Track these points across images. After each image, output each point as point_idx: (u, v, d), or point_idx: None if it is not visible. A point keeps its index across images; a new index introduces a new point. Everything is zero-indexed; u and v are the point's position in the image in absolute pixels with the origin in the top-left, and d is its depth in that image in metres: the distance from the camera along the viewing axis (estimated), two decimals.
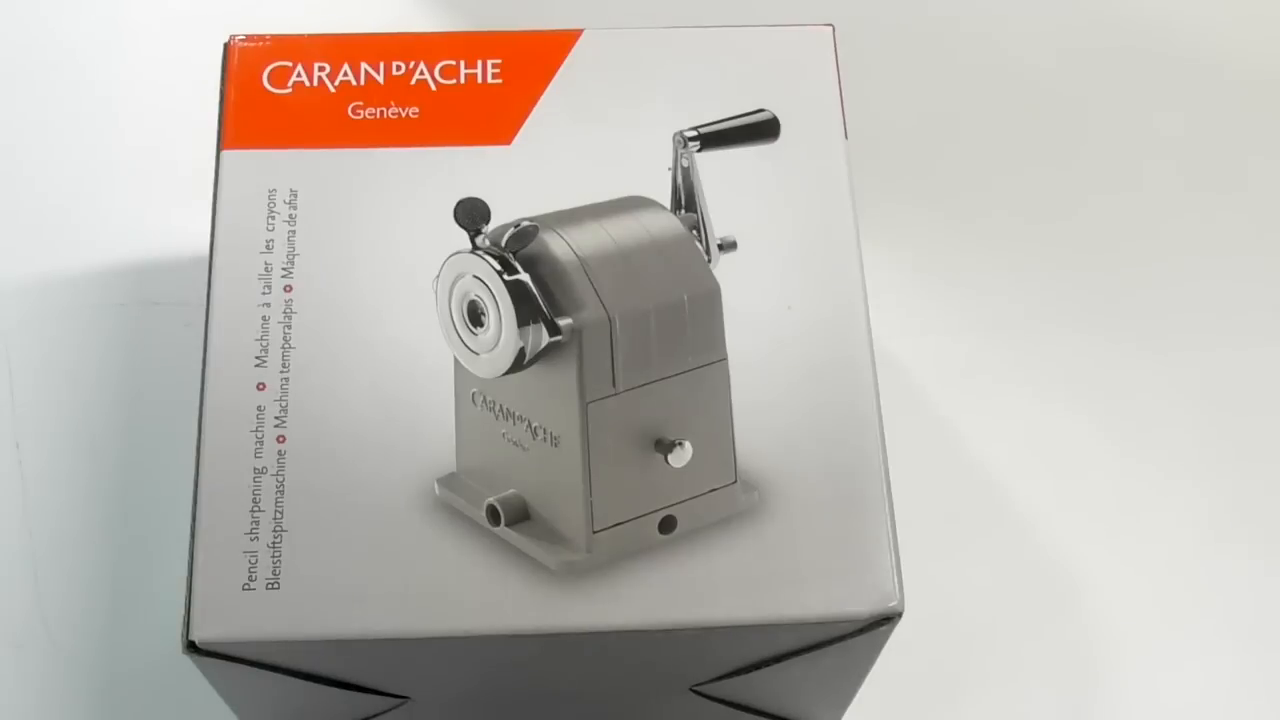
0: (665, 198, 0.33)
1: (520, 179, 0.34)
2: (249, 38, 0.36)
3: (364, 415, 0.31)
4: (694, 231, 0.33)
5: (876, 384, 0.32)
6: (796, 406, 0.32)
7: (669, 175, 0.33)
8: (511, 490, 0.32)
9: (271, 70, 0.35)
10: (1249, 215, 0.48)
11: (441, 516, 0.31)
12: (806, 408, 0.32)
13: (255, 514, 0.30)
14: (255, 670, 0.30)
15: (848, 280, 0.33)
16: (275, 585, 0.30)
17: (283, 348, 0.32)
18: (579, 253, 0.31)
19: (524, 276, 0.31)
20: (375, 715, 0.34)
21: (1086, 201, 0.48)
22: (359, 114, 0.35)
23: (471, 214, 0.32)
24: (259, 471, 0.31)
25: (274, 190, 0.34)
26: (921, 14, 0.51)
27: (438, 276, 0.32)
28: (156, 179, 0.47)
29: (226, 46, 0.35)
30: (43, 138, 0.48)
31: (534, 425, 0.32)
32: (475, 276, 0.31)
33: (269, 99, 0.35)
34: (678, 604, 0.30)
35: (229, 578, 0.30)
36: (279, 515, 0.30)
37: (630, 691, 0.34)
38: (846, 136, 0.35)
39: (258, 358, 0.32)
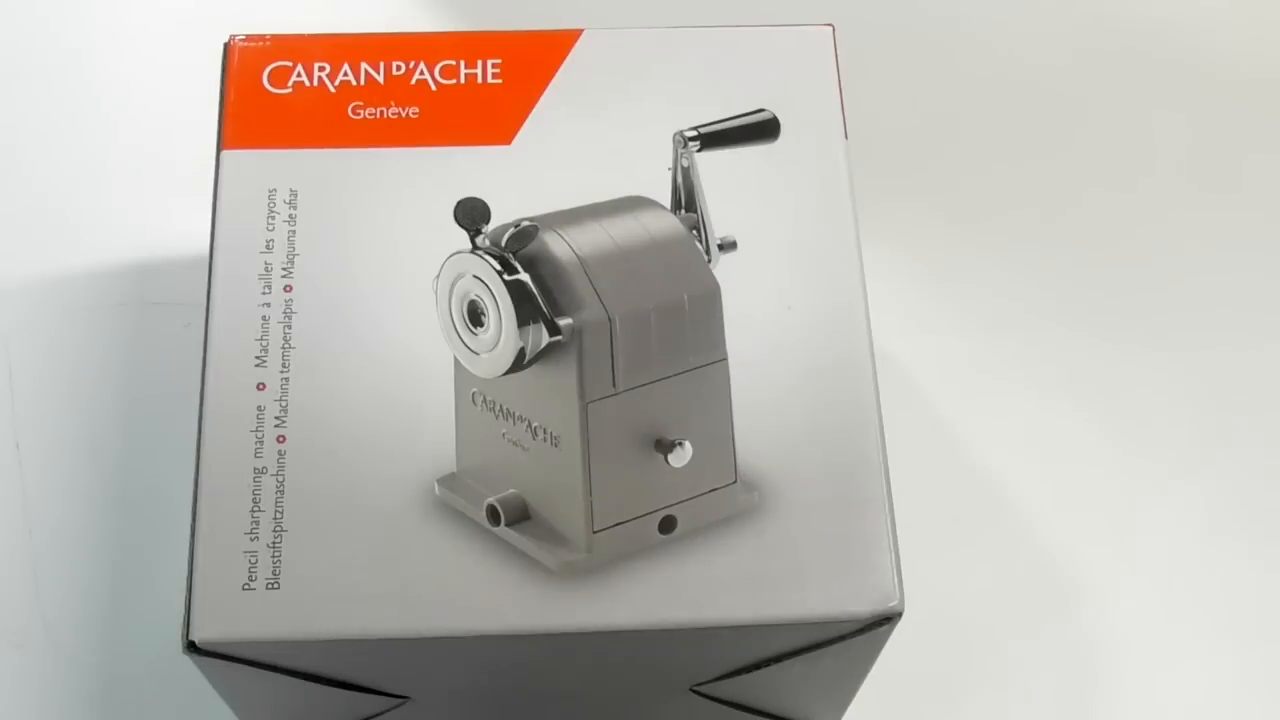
0: (665, 198, 0.33)
1: (520, 179, 0.34)
2: (249, 38, 0.36)
3: (364, 415, 0.31)
4: (694, 231, 0.33)
5: (876, 384, 0.32)
6: (796, 407, 0.32)
7: (669, 175, 0.33)
8: (511, 490, 0.32)
9: (271, 70, 0.35)
10: (1249, 214, 0.48)
11: (441, 516, 0.31)
12: (806, 408, 0.32)
13: (255, 514, 0.30)
14: (255, 670, 0.30)
15: (848, 280, 0.33)
16: (275, 585, 0.30)
17: (283, 348, 0.32)
18: (579, 253, 0.31)
19: (524, 276, 0.31)
20: (375, 715, 0.34)
21: (1086, 200, 0.48)
22: (359, 114, 0.35)
23: (471, 214, 0.32)
24: (259, 471, 0.31)
25: (274, 190, 0.34)
26: (921, 14, 0.51)
27: (437, 276, 0.32)
28: (156, 179, 0.47)
29: (226, 46, 0.35)
30: (43, 138, 0.48)
31: (534, 425, 0.32)
32: (475, 276, 0.31)
33: (269, 99, 0.35)
34: (678, 604, 0.30)
35: (229, 578, 0.30)
36: (279, 515, 0.30)
37: (630, 691, 0.34)
38: (846, 136, 0.35)
39: (258, 358, 0.32)
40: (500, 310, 0.31)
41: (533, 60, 0.35)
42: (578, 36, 0.36)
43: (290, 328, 0.32)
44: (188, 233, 0.41)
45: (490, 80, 0.35)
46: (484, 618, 0.30)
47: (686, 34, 0.36)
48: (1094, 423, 0.45)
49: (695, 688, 0.33)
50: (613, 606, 0.30)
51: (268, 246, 0.33)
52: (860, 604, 0.30)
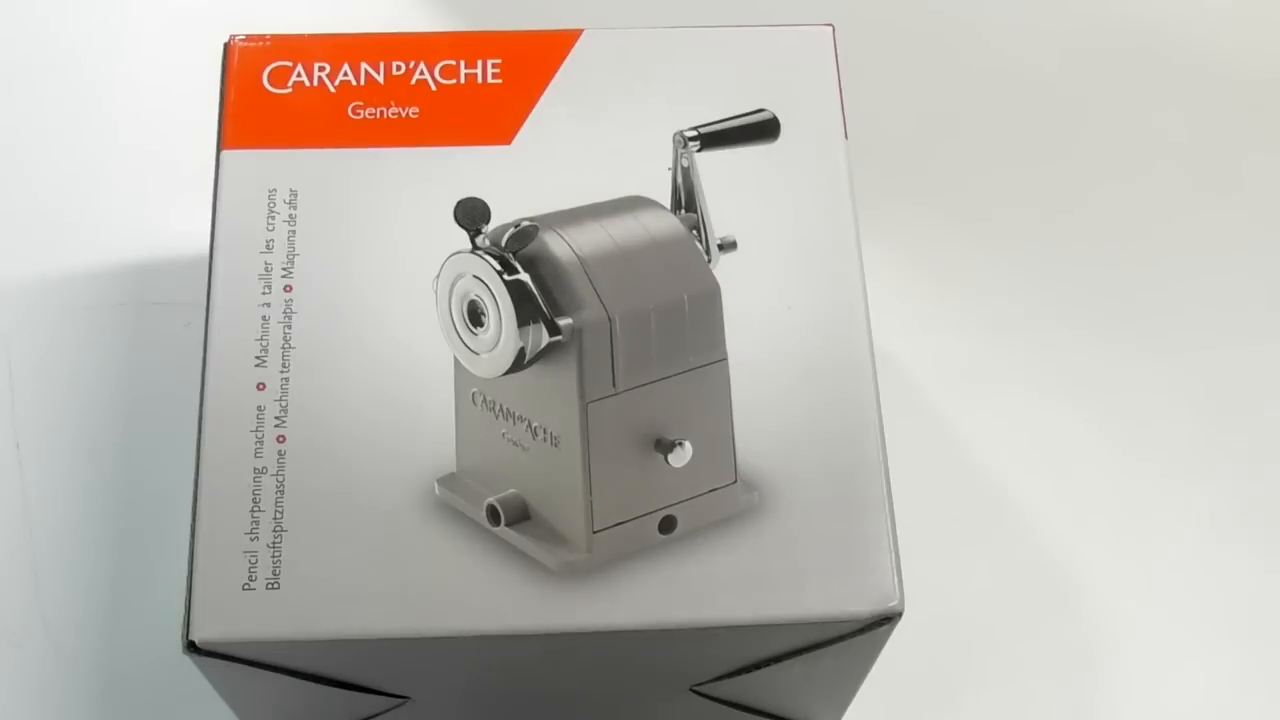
0: (665, 198, 0.33)
1: (520, 179, 0.34)
2: (249, 38, 0.36)
3: (364, 415, 0.31)
4: (694, 231, 0.33)
5: (876, 384, 0.32)
6: (796, 406, 0.32)
7: (669, 175, 0.33)
8: (511, 490, 0.32)
9: (271, 70, 0.35)
10: (1249, 214, 0.48)
11: (441, 516, 0.31)
12: (806, 408, 0.32)
13: (255, 514, 0.30)
14: (255, 670, 0.30)
15: (848, 280, 0.33)
16: (275, 585, 0.30)
17: (283, 348, 0.32)
18: (579, 253, 0.31)
19: (524, 276, 0.31)
20: (375, 715, 0.34)
21: (1086, 201, 0.48)
22: (359, 114, 0.35)
23: (471, 214, 0.32)
24: (259, 471, 0.31)
25: (274, 190, 0.34)
26: (921, 14, 0.51)
27: (437, 276, 0.32)
28: (156, 179, 0.47)
29: (226, 46, 0.35)
30: (42, 138, 0.48)
31: (534, 425, 0.32)
32: (475, 276, 0.31)
33: (269, 99, 0.35)
34: (678, 604, 0.30)
35: (229, 578, 0.30)
36: (279, 515, 0.30)
37: (630, 691, 0.34)
38: (846, 136, 0.35)
39: (258, 358, 0.32)
40: (500, 310, 0.31)
41: (533, 60, 0.36)
42: (578, 37, 0.36)
43: (290, 328, 0.32)
44: (188, 233, 0.41)
45: (490, 80, 0.35)
46: (484, 618, 0.30)
47: (686, 34, 0.36)
48: (1094, 423, 0.45)
49: (695, 688, 0.33)
50: (613, 606, 0.30)
51: (268, 246, 0.33)
52: (860, 604, 0.30)
